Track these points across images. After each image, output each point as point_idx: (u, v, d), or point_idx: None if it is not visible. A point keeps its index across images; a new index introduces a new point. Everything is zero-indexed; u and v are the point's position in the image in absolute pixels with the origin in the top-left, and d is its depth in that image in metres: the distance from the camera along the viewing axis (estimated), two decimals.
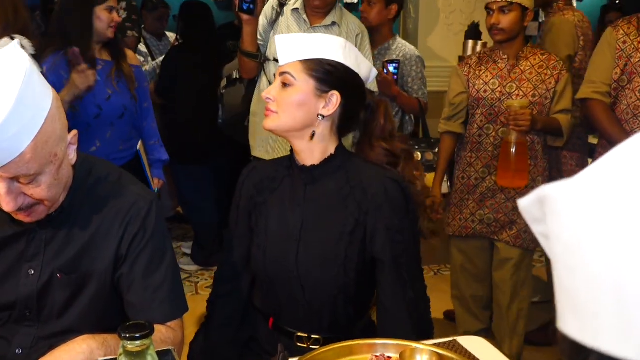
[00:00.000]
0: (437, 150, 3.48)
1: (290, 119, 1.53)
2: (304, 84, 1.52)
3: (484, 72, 2.69)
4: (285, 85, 1.53)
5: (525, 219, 0.49)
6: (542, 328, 3.19)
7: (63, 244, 1.38)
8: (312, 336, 1.64)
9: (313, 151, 1.58)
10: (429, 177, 2.96)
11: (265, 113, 1.56)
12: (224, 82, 3.27)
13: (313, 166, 1.59)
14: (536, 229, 0.49)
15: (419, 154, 3.56)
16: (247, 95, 3.09)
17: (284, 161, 1.69)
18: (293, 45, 1.53)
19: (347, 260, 1.57)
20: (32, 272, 1.37)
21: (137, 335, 0.92)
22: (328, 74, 1.53)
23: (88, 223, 1.39)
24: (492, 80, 2.68)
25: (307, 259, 1.58)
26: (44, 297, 1.39)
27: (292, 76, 1.52)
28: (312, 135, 1.56)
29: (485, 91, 2.67)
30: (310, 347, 1.63)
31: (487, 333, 2.98)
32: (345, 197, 1.58)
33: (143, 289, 1.41)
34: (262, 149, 2.98)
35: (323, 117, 1.55)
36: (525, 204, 0.48)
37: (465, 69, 2.74)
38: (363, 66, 1.60)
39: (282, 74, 1.53)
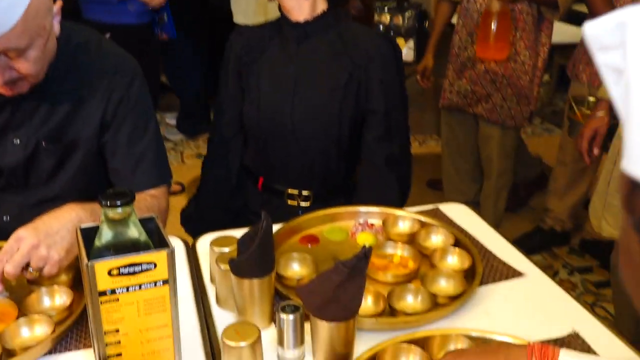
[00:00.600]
0: (407, 14, 3.38)
1: None
2: None
3: None
4: None
5: (588, 46, 0.44)
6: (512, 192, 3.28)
7: (48, 112, 1.34)
8: (303, 192, 1.67)
9: (302, 6, 1.57)
10: (399, 42, 2.89)
11: None
12: None
13: (306, 22, 1.58)
14: (602, 59, 0.44)
15: (387, 16, 3.46)
16: None
17: (272, 24, 1.67)
18: None
19: (341, 113, 1.59)
20: (18, 141, 1.35)
21: (118, 202, 0.91)
22: None
23: (72, 91, 1.35)
24: None
25: (301, 112, 1.59)
26: (30, 166, 1.38)
27: None
28: None
29: None
30: (300, 204, 1.68)
31: (475, 206, 3.04)
32: (338, 52, 1.58)
33: (127, 156, 1.41)
34: (242, 15, 2.91)
35: None
36: (594, 29, 0.43)
37: None
38: None
39: None
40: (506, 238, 1.42)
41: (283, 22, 1.62)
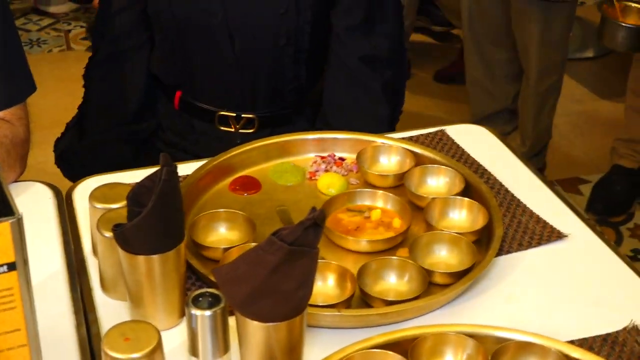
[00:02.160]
0: None
1: None
2: None
3: None
4: None
5: None
6: None
7: None
8: (243, 115, 1.67)
9: None
10: None
11: None
12: None
13: None
14: None
15: None
16: None
17: None
18: None
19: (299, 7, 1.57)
20: None
21: None
22: None
23: None
24: None
25: (242, 12, 1.57)
26: None
27: None
28: None
29: None
30: (240, 131, 1.68)
31: (511, 115, 3.09)
32: None
33: None
34: None
35: None
36: None
37: None
38: None
39: None
40: (547, 180, 1.43)
41: None
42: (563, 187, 3.05)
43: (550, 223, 1.31)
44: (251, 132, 1.66)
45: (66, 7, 4.41)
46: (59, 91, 2.42)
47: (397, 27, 1.69)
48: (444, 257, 1.21)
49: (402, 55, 1.72)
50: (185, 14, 1.61)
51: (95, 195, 1.18)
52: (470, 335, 1.02)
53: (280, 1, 1.58)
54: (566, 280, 1.21)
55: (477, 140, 1.54)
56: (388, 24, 1.66)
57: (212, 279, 1.09)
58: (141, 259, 1.04)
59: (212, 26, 1.59)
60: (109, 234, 1.09)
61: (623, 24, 2.54)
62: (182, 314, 1.10)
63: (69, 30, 4.27)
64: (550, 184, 1.43)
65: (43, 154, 1.94)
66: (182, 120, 1.71)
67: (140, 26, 1.69)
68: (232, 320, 0.98)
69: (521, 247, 1.26)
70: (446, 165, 1.38)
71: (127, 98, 1.72)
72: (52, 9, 4.38)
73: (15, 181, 1.39)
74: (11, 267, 0.90)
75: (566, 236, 1.29)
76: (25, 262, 0.91)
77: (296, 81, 1.67)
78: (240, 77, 1.63)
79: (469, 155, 1.48)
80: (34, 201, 1.35)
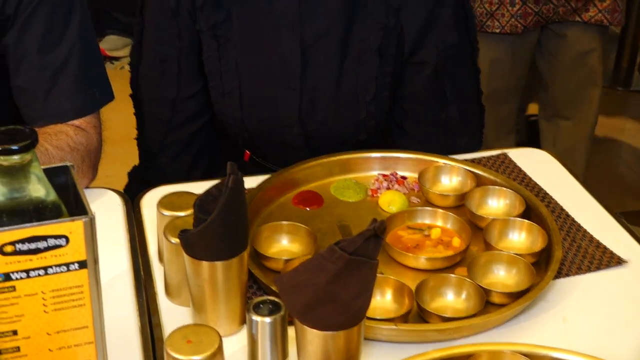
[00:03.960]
0: None
1: None
2: None
3: None
4: None
5: None
6: None
7: None
8: None
9: None
10: None
11: None
12: None
13: None
14: None
15: None
16: None
17: None
18: None
19: (378, 94, 1.57)
20: None
21: (14, 146, 0.92)
22: None
23: None
24: None
25: (316, 104, 1.57)
26: None
27: None
28: None
29: None
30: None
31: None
32: None
33: (38, 68, 1.42)
34: None
35: None
36: None
37: None
38: None
39: None
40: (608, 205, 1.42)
41: None
42: (626, 218, 2.99)
43: (610, 248, 1.30)
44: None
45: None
46: (129, 108, 2.43)
47: (475, 92, 1.70)
48: (501, 278, 1.21)
49: (479, 116, 1.73)
50: (258, 127, 1.61)
51: (163, 203, 1.21)
52: (526, 355, 1.02)
53: (358, 107, 1.58)
54: (624, 305, 1.20)
55: (539, 164, 1.54)
56: (467, 91, 1.68)
57: (273, 288, 1.12)
58: (205, 264, 1.07)
59: (287, 131, 1.60)
60: (175, 240, 1.12)
61: None
62: (243, 321, 1.12)
63: None
64: (610, 210, 1.42)
65: (111, 168, 1.96)
66: (247, 168, 1.72)
67: (200, 113, 1.67)
68: (291, 330, 1.01)
69: (580, 270, 1.25)
70: (507, 187, 1.38)
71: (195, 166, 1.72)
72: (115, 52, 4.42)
73: (86, 187, 1.44)
74: (82, 265, 0.94)
75: (626, 262, 1.28)
76: (95, 261, 0.95)
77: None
78: (309, 155, 1.57)
79: (530, 178, 1.48)
80: (104, 207, 1.39)
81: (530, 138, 3.29)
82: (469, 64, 1.66)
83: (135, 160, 1.78)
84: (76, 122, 1.44)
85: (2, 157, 0.92)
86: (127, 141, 1.85)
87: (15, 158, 0.92)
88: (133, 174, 1.77)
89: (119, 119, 2.94)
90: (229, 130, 1.67)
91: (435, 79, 1.59)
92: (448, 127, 1.65)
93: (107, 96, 1.52)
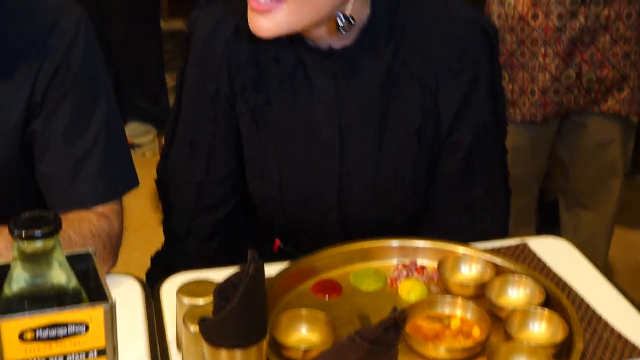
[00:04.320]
0: None
1: (310, 8, 1.37)
2: None
3: None
4: None
5: None
6: None
7: None
8: None
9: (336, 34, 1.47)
10: None
11: (252, 4, 1.37)
12: None
13: (346, 49, 1.51)
14: None
15: None
16: None
17: (291, 39, 1.52)
18: None
19: (416, 177, 1.58)
20: None
21: (37, 232, 0.93)
22: None
23: None
24: None
25: (354, 187, 1.58)
26: None
27: None
28: (343, 20, 1.42)
29: None
30: None
31: None
32: (397, 77, 1.53)
33: (63, 156, 1.45)
34: None
35: None
36: None
37: None
38: None
39: None
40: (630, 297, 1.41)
41: (303, 46, 1.53)
42: None
43: (632, 340, 1.29)
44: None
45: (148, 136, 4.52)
46: (150, 195, 2.45)
47: (502, 172, 1.70)
48: None
49: (505, 199, 1.73)
50: (296, 211, 1.63)
51: (183, 290, 1.21)
52: None
53: (397, 190, 1.58)
54: None
55: (559, 254, 1.53)
56: (495, 170, 1.68)
57: None
58: (224, 352, 1.06)
59: (324, 216, 1.61)
60: (194, 329, 1.12)
61: None
62: None
63: (161, 135, 4.34)
64: (631, 300, 1.41)
65: (130, 256, 1.95)
66: (273, 258, 1.71)
67: (234, 196, 1.68)
68: None
69: None
70: (527, 277, 1.38)
71: (221, 253, 1.71)
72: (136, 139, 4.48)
73: (106, 274, 1.45)
74: (101, 352, 0.94)
75: None
76: (114, 349, 0.95)
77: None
78: (348, 238, 1.57)
79: (550, 268, 1.47)
80: (123, 293, 1.39)
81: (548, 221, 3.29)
82: (498, 144, 1.67)
83: (154, 247, 1.79)
84: (99, 208, 1.46)
85: (25, 243, 0.94)
86: (147, 229, 1.87)
87: (39, 244, 0.94)
88: (156, 259, 1.78)
89: (139, 206, 2.97)
90: (265, 216, 1.68)
91: (468, 160, 1.59)
92: (475, 210, 1.65)
93: (131, 183, 1.54)
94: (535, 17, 2.56)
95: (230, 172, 1.64)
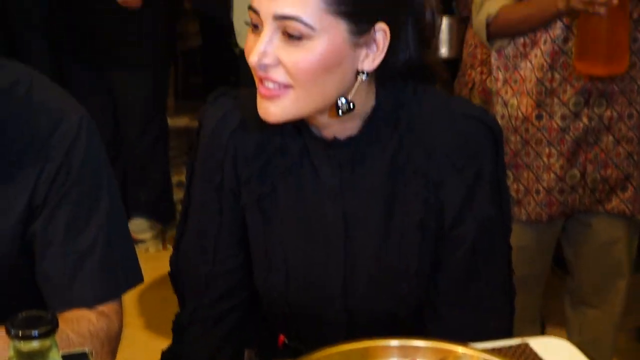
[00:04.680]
0: None
1: (317, 94, 1.43)
2: (332, 32, 1.39)
3: None
4: (291, 37, 1.38)
5: None
6: None
7: None
8: None
9: (345, 121, 1.52)
10: None
11: (262, 91, 1.43)
12: None
13: (350, 139, 1.55)
14: None
15: None
16: None
17: (294, 127, 1.57)
18: None
19: (420, 269, 1.59)
20: None
21: (34, 332, 0.94)
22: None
23: None
24: None
25: (358, 277, 1.60)
26: None
27: (306, 23, 1.37)
28: (343, 103, 1.47)
29: None
30: None
31: None
32: (401, 169, 1.56)
33: (63, 254, 1.46)
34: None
35: (366, 73, 1.47)
36: None
37: None
38: None
39: (280, 18, 1.37)
40: None
41: (309, 136, 1.57)
42: None
43: None
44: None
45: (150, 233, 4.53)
46: (153, 291, 2.43)
47: (506, 270, 1.70)
48: None
49: (508, 302, 1.72)
50: (301, 301, 1.63)
51: None
52: None
53: (401, 281, 1.59)
54: None
55: (561, 355, 1.52)
56: (500, 269, 1.67)
57: None
58: None
59: (329, 306, 1.62)
60: None
61: None
62: None
63: (165, 231, 4.44)
64: None
65: (130, 352, 1.94)
66: (279, 354, 1.72)
67: (239, 289, 1.69)
68: None
69: None
70: None
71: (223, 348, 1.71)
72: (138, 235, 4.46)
73: None
74: None
75: None
76: None
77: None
78: (349, 335, 1.55)
79: None
80: None
81: None
82: (502, 240, 1.67)
83: (157, 345, 1.79)
84: (99, 307, 1.46)
85: (22, 343, 0.95)
86: (150, 327, 1.87)
87: (35, 344, 0.95)
88: (165, 353, 1.77)
89: (142, 303, 2.97)
90: (268, 304, 1.68)
91: (472, 255, 1.60)
92: (478, 307, 1.64)
93: (134, 280, 1.56)
94: (539, 117, 2.62)
95: (238, 265, 1.65)
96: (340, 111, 1.45)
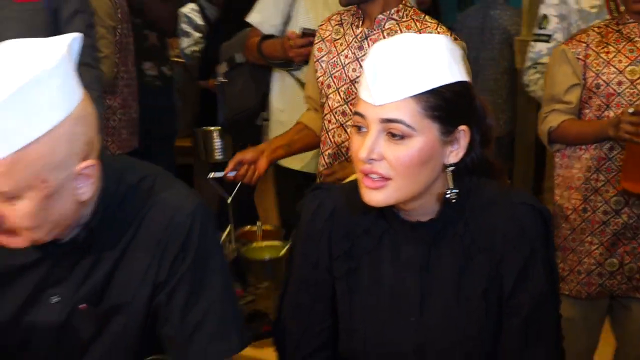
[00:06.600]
0: None
1: (413, 183, 1.62)
2: (427, 132, 1.59)
3: (614, 56, 2.78)
4: (394, 136, 1.58)
5: None
6: None
7: (89, 269, 1.59)
8: None
9: (426, 206, 1.70)
10: None
11: (367, 183, 1.61)
12: (223, 67, 3.57)
13: (432, 221, 1.71)
14: None
15: None
16: (258, 85, 3.42)
17: (379, 212, 1.74)
18: (394, 74, 1.56)
19: (483, 332, 1.74)
20: (56, 299, 1.60)
21: None
22: (453, 106, 1.61)
23: (117, 244, 1.60)
24: (629, 68, 2.75)
25: (430, 343, 1.74)
26: (64, 333, 1.61)
27: (408, 125, 1.57)
28: (455, 194, 1.66)
29: (619, 83, 2.77)
30: None
31: None
32: (467, 247, 1.71)
33: (181, 324, 1.64)
34: (294, 157, 3.10)
35: (453, 166, 1.66)
36: None
37: (581, 50, 2.84)
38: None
39: (385, 121, 1.57)
40: None
41: (395, 219, 1.73)
42: None
43: None
44: None
45: None
46: None
47: (557, 337, 1.81)
48: None
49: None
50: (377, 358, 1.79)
51: None
52: None
53: (466, 346, 1.73)
54: None
55: None
56: (551, 337, 1.78)
57: None
58: None
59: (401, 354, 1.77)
60: None
61: None
62: None
63: None
64: None
65: None
66: None
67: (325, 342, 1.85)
68: None
69: None
70: None
71: None
72: None
73: None
74: None
75: None
76: None
77: None
78: None
79: None
80: None
81: None
82: (554, 311, 1.80)
83: None
84: None
85: None
86: None
87: None
88: None
89: None
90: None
91: (527, 323, 1.72)
92: None
93: (240, 343, 1.71)
94: (584, 210, 2.88)
95: (325, 327, 1.85)
96: (450, 199, 1.67)
